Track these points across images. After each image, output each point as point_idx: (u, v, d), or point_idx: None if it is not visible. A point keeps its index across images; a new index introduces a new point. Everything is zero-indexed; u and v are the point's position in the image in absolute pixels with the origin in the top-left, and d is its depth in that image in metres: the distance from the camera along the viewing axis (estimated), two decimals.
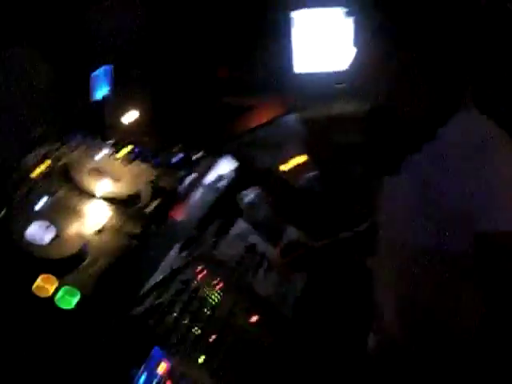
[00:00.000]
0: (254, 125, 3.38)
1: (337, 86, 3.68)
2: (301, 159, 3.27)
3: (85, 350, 1.85)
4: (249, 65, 3.85)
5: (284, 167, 3.20)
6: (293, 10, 3.64)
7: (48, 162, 2.52)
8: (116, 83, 2.89)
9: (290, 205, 3.01)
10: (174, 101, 3.54)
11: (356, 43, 1.79)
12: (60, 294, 1.93)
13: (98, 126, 2.79)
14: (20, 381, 1.82)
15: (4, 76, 2.64)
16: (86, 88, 2.94)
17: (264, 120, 3.44)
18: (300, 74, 3.74)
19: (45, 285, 1.93)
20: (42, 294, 1.91)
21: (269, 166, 3.09)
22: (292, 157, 3.25)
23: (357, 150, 3.36)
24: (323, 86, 3.68)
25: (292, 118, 3.47)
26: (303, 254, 2.27)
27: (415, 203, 1.77)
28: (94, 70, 2.88)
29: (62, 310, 1.90)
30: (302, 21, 3.69)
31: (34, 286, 1.92)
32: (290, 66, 3.72)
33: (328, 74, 3.72)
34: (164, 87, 3.54)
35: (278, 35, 3.73)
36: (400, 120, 1.80)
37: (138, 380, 1.86)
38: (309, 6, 3.65)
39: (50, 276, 1.96)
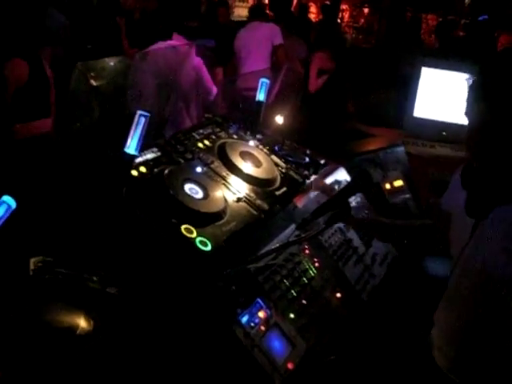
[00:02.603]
0: (372, 148, 3.40)
1: (443, 133, 3.69)
2: (400, 183, 3.27)
3: (209, 286, 1.90)
4: (378, 103, 3.92)
5: (387, 185, 3.21)
6: (424, 66, 3.69)
7: (210, 140, 2.60)
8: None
9: (384, 215, 3.01)
10: (315, 118, 3.62)
11: (466, 107, 1.80)
12: (197, 241, 1.99)
13: (254, 121, 2.85)
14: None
15: None
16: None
17: (380, 146, 3.46)
18: (417, 118, 3.76)
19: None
20: (188, 235, 1.98)
21: (377, 181, 3.10)
22: (395, 179, 3.26)
23: (445, 185, 3.38)
24: (433, 131, 3.69)
25: (402, 150, 3.48)
26: None
27: (498, 239, 1.74)
28: None
29: (200, 250, 1.96)
30: (429, 76, 3.71)
31: (183, 228, 1.99)
32: (411, 110, 3.75)
33: (439, 123, 3.73)
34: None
35: (407, 85, 3.78)
36: (492, 173, 1.79)
37: (242, 318, 1.90)
38: (438, 67, 3.68)
39: (191, 227, 2.02)
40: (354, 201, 2.75)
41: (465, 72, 3.69)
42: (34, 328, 1.75)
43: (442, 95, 3.74)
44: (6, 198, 1.70)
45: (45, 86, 3.49)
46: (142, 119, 2.02)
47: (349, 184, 2.26)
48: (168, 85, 3.49)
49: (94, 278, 1.97)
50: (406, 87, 3.85)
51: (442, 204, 2.11)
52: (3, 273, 1.88)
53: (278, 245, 2.11)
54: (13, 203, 1.70)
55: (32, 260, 1.97)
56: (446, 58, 3.95)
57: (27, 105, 3.30)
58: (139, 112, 2.03)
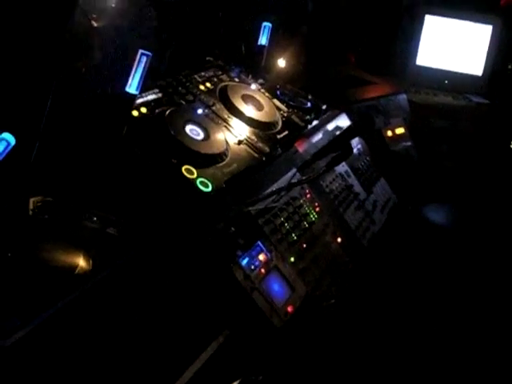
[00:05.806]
0: (374, 95, 3.34)
1: (445, 81, 3.65)
2: (402, 130, 3.23)
3: (209, 227, 1.86)
4: (381, 51, 3.88)
5: (388, 132, 3.16)
6: (428, 14, 3.65)
7: (211, 83, 2.53)
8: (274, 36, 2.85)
9: (385, 162, 2.98)
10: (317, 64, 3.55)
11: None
12: (197, 181, 1.94)
13: (256, 65, 2.78)
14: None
15: None
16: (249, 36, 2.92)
17: (382, 93, 3.40)
18: (420, 66, 3.71)
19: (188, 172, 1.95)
20: (188, 176, 1.93)
21: (378, 128, 3.06)
22: (396, 127, 3.21)
23: (447, 133, 3.35)
24: (435, 79, 3.66)
25: (403, 97, 3.43)
26: None
27: None
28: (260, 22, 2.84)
29: (201, 191, 1.92)
30: (432, 24, 3.67)
31: (184, 168, 1.94)
32: (414, 58, 3.70)
33: (441, 71, 3.69)
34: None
35: (410, 32, 3.74)
36: None
37: (242, 260, 1.86)
38: (442, 15, 3.62)
39: (192, 168, 1.96)
40: (355, 147, 2.71)
41: (469, 20, 3.62)
42: (32, 266, 1.72)
43: (446, 43, 3.67)
44: (6, 135, 1.65)
45: None
46: (144, 58, 1.95)
47: (350, 126, 2.20)
48: None
49: (94, 218, 1.93)
50: (409, 35, 3.79)
51: None
52: (2, 212, 1.83)
53: (279, 187, 2.06)
54: (12, 140, 1.65)
55: (32, 199, 1.92)
56: (451, 6, 3.83)
57: None
58: (141, 51, 1.96)
